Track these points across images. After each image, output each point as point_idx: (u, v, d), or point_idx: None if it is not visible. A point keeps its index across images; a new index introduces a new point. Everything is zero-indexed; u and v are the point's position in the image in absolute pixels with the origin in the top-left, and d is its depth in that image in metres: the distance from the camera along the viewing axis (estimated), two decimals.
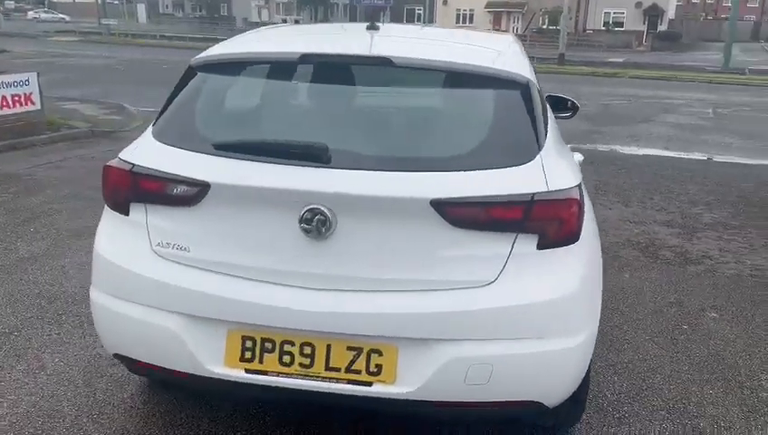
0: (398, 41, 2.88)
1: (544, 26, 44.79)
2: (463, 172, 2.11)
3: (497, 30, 46.96)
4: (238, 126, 2.43)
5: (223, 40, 2.80)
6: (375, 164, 2.12)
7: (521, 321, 2.10)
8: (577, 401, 2.45)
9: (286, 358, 2.17)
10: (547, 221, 2.10)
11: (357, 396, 2.15)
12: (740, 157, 9.59)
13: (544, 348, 2.12)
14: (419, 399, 2.11)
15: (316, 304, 2.12)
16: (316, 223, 2.07)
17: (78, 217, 5.37)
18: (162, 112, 2.47)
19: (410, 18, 49.81)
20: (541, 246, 2.11)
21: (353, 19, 38.44)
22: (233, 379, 2.20)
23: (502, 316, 2.09)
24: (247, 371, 2.19)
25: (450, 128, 2.33)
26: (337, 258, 2.12)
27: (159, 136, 2.37)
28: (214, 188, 2.14)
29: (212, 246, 2.21)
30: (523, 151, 2.19)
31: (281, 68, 2.48)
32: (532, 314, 2.11)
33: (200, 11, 66.44)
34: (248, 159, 2.16)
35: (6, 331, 3.47)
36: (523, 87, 2.33)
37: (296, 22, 53.98)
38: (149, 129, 2.47)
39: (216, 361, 2.21)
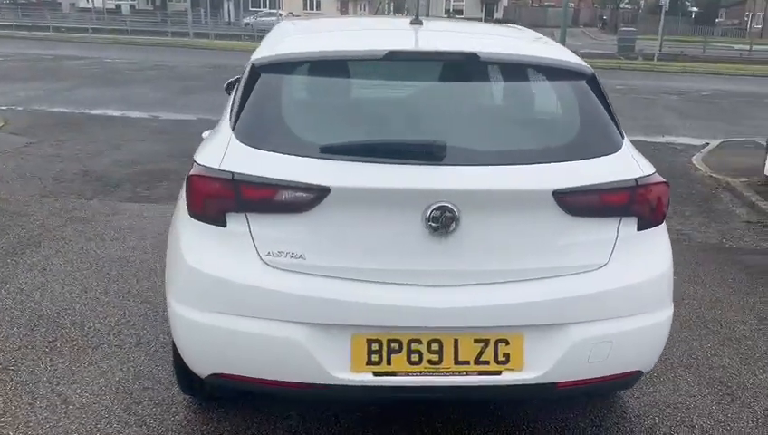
0: (460, 35, 2.92)
1: (390, 13, 45.79)
2: (572, 162, 2.23)
3: (345, 15, 47.24)
4: (340, 127, 2.36)
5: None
6: (493, 159, 2.19)
7: (632, 298, 2.28)
8: None
9: (414, 357, 2.18)
10: (646, 204, 2.29)
11: (487, 386, 2.21)
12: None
13: (650, 321, 2.32)
14: (547, 382, 2.22)
15: (442, 300, 2.15)
16: (443, 220, 2.10)
17: (3, 234, 4.79)
18: (239, 115, 2.33)
19: (256, 4, 48.65)
20: (639, 228, 2.30)
21: (195, 5, 36.80)
22: (360, 383, 2.17)
23: (617, 296, 2.25)
24: (375, 374, 2.17)
25: (546, 120, 2.44)
26: (460, 254, 2.16)
27: (248, 141, 2.24)
28: (334, 192, 2.09)
29: (329, 251, 2.15)
30: (614, 140, 2.36)
31: (364, 66, 2.44)
32: (641, 291, 2.29)
33: None
34: (368, 161, 2.13)
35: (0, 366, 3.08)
36: (594, 78, 2.49)
37: (132, 8, 50.66)
38: (228, 133, 2.32)
39: (341, 367, 2.17)
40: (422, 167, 2.13)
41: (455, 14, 48.75)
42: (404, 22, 2.90)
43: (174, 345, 2.59)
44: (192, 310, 2.24)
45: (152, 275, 4.16)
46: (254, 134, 2.26)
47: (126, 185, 6.38)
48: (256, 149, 2.21)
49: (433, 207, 2.09)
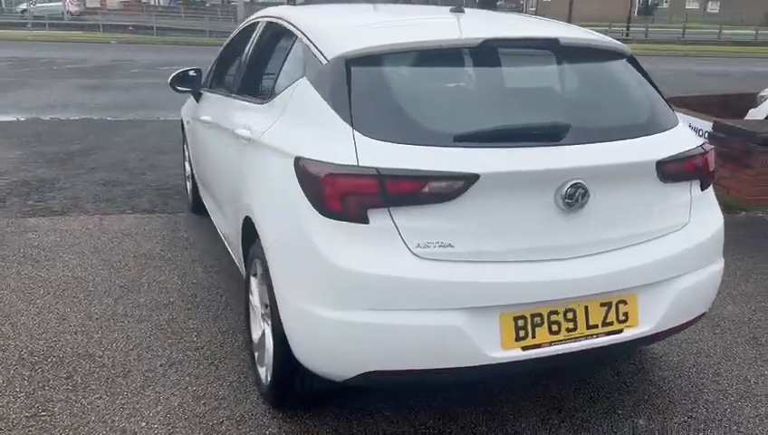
0: (516, 22, 3.03)
1: None
2: (659, 135, 2.51)
3: (135, 1, 44.22)
4: (463, 115, 2.40)
5: None
6: (606, 135, 2.40)
7: (709, 249, 2.62)
8: None
9: (554, 327, 2.33)
10: (707, 167, 2.64)
11: (612, 345, 2.43)
12: None
13: (715, 268, 2.68)
14: (655, 332, 2.49)
15: (576, 271, 2.32)
16: (577, 196, 2.26)
17: None
18: (355, 110, 2.27)
19: None
20: (702, 188, 2.64)
21: None
22: (512, 359, 2.28)
23: (699, 249, 2.57)
24: (523, 348, 2.29)
25: (625, 97, 2.67)
26: (587, 226, 2.34)
27: (378, 135, 2.22)
28: (483, 179, 2.16)
29: (474, 236, 2.22)
30: (671, 113, 2.68)
31: (459, 54, 2.50)
32: (714, 243, 2.65)
33: None
34: (507, 146, 2.23)
35: (27, 414, 2.66)
36: (633, 57, 2.77)
37: None
38: (344, 127, 2.26)
39: (494, 346, 2.25)
40: (555, 147, 2.28)
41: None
42: (445, 10, 2.97)
43: (279, 355, 2.48)
44: (341, 311, 2.18)
45: (128, 292, 3.80)
46: (380, 128, 2.24)
47: (12, 199, 5.60)
48: (391, 143, 2.20)
49: (569, 184, 2.24)
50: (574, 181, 2.25)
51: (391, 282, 2.16)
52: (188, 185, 5.46)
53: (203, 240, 4.66)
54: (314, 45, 2.63)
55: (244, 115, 3.12)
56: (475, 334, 2.21)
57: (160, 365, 3.06)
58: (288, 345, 2.41)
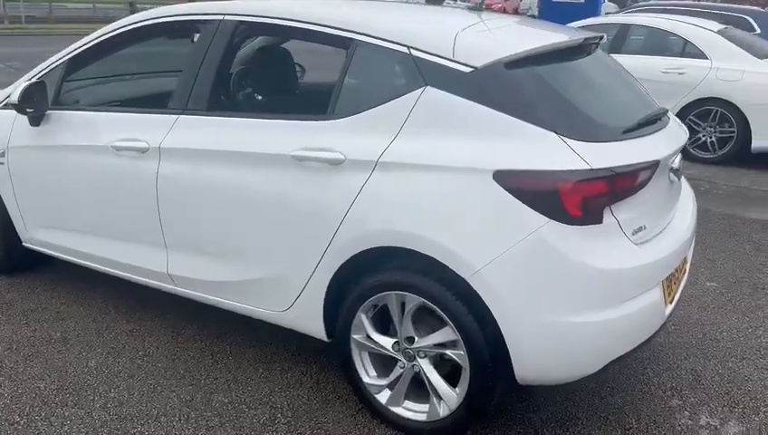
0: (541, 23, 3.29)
1: None
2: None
3: None
4: (614, 108, 2.71)
5: None
6: (666, 120, 2.86)
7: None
8: None
9: (674, 280, 2.70)
10: None
11: (684, 285, 2.90)
12: None
13: None
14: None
15: (685, 232, 2.77)
16: (677, 172, 2.76)
17: None
18: (542, 114, 2.34)
19: None
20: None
21: None
22: (669, 313, 2.63)
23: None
24: (670, 302, 2.65)
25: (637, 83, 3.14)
26: (674, 194, 2.85)
27: (582, 137, 2.32)
28: (660, 164, 2.49)
29: (651, 215, 2.53)
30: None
31: (566, 54, 2.73)
32: None
33: None
34: (656, 133, 2.64)
35: None
36: None
37: None
38: (545, 135, 2.29)
39: (665, 306, 2.57)
40: (663, 131, 2.71)
41: None
42: (469, 11, 3.13)
43: (480, 382, 2.46)
44: (601, 311, 2.29)
45: (115, 381, 2.97)
46: (576, 130, 2.33)
47: None
48: (596, 143, 2.33)
49: (676, 161, 2.71)
50: (676, 159, 2.72)
51: (633, 272, 2.33)
52: None
53: (88, 305, 3.78)
54: (432, 54, 2.49)
55: (294, 136, 2.65)
56: (663, 300, 2.52)
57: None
58: (489, 368, 2.40)
